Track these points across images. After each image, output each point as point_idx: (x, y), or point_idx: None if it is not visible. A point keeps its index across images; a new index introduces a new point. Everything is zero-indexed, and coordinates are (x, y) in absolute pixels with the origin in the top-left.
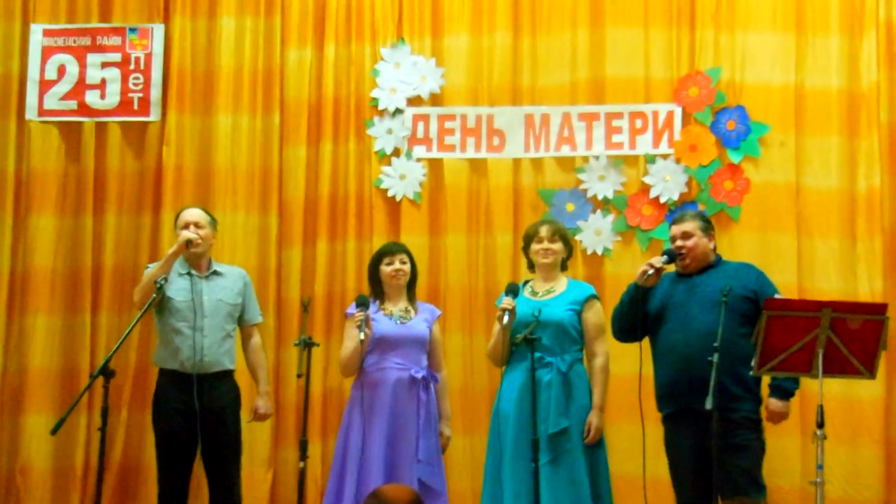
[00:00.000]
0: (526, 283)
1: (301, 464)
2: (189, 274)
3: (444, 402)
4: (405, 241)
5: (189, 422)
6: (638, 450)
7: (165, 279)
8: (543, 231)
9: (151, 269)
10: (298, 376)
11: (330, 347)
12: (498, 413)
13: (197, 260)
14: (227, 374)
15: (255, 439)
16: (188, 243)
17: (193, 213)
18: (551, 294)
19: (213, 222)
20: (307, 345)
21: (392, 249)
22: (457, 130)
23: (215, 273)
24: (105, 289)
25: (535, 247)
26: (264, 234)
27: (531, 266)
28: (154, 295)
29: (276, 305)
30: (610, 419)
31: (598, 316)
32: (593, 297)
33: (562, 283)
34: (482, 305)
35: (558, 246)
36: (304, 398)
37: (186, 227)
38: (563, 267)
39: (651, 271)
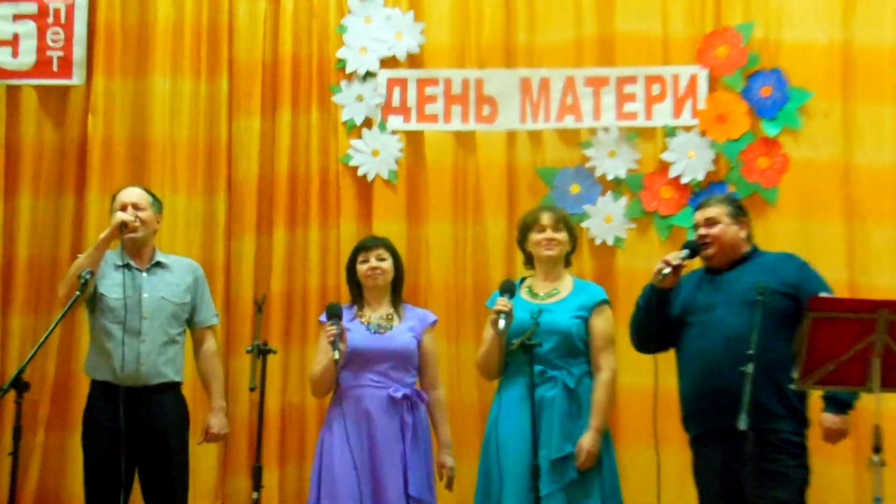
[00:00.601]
0: (523, 280)
1: (255, 494)
2: (127, 266)
3: (443, 427)
4: (378, 229)
5: (125, 444)
6: (651, 477)
7: (92, 272)
8: (545, 218)
9: (80, 259)
10: (251, 390)
11: (288, 355)
12: (494, 436)
13: (137, 249)
14: (171, 388)
15: (199, 465)
16: (122, 227)
17: (132, 193)
18: (555, 297)
19: (157, 204)
20: (262, 352)
21: (367, 244)
22: (439, 97)
23: (159, 265)
24: (18, 285)
25: (534, 237)
26: (210, 220)
27: (528, 261)
28: (77, 292)
29: (224, 305)
30: (626, 442)
31: (608, 324)
32: (604, 302)
33: (566, 284)
34: (470, 307)
35: (563, 236)
36: (259, 416)
37: (123, 208)
38: (568, 262)
39: (667, 270)
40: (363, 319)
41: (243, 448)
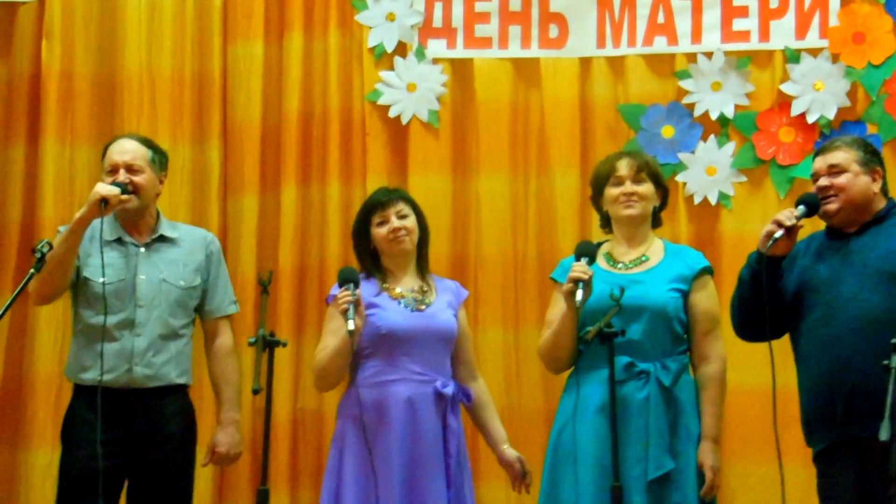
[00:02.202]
0: (598, 245)
1: None
2: (119, 241)
3: (494, 421)
4: (416, 184)
5: (115, 462)
6: (766, 501)
7: (49, 243)
8: (623, 167)
9: (54, 248)
10: (255, 392)
11: (301, 348)
12: (560, 446)
13: (133, 220)
14: (174, 392)
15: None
16: (103, 204)
17: (125, 149)
18: (643, 265)
19: (159, 159)
20: (268, 344)
21: (382, 199)
22: (493, 15)
23: (162, 239)
24: None
25: (611, 191)
26: (201, 174)
27: (606, 222)
28: (32, 269)
29: None
30: (733, 456)
31: (713, 299)
32: (706, 270)
33: (656, 248)
34: (533, 284)
35: (647, 189)
36: (265, 426)
37: (114, 171)
38: (657, 222)
39: (780, 232)
40: (393, 294)
41: (245, 466)
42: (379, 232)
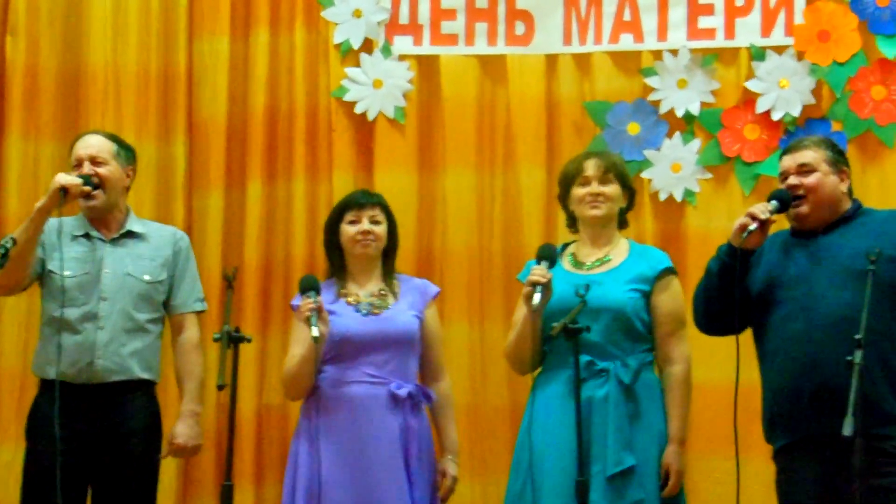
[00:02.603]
0: (565, 247)
1: None
2: (86, 237)
3: (448, 428)
4: (382, 182)
5: (78, 458)
6: (731, 496)
7: (14, 240)
8: (590, 167)
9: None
10: (220, 388)
11: (266, 344)
12: (529, 445)
13: (101, 214)
14: (138, 387)
15: None
16: (62, 193)
17: (89, 143)
18: (605, 266)
19: (125, 153)
20: (233, 340)
21: (359, 200)
22: (460, 12)
23: (130, 235)
24: None
25: (577, 192)
26: (166, 170)
27: (572, 222)
28: None
29: None
30: (698, 452)
31: (677, 301)
32: (669, 271)
33: (621, 249)
34: (499, 281)
35: (613, 189)
36: (229, 421)
37: (78, 164)
38: (623, 223)
39: (754, 225)
40: (349, 299)
41: (209, 462)
42: (347, 230)
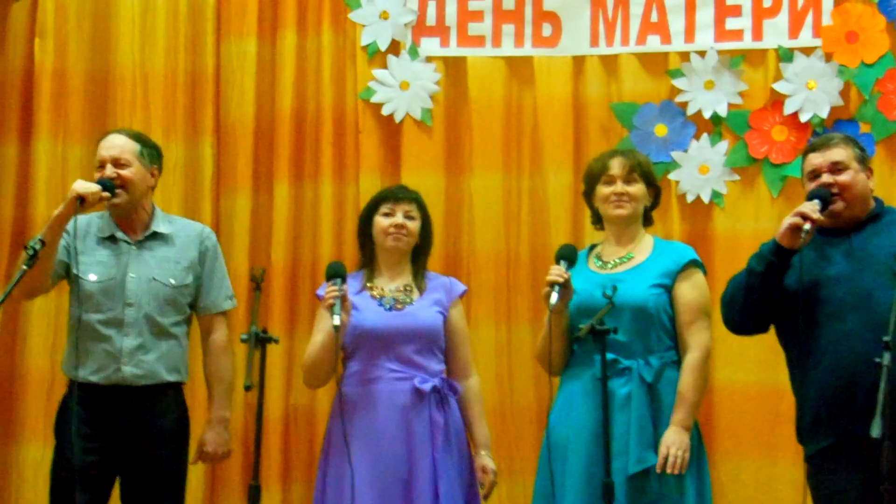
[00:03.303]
0: (592, 248)
1: None
2: (112, 238)
3: (478, 423)
4: (409, 183)
5: (105, 457)
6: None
7: (43, 241)
8: (615, 166)
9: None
10: (247, 389)
11: (294, 345)
12: (551, 443)
13: (126, 215)
14: (166, 389)
15: None
16: (79, 201)
17: (112, 144)
18: (628, 263)
19: (152, 153)
20: (260, 340)
21: (396, 194)
22: (487, 14)
23: (155, 236)
24: None
25: (602, 191)
26: (193, 171)
27: (597, 219)
28: (24, 266)
29: None
30: (725, 452)
31: (699, 290)
32: (693, 263)
33: (645, 246)
34: (526, 281)
35: (638, 189)
36: (257, 422)
37: (101, 166)
38: (648, 221)
39: (808, 225)
40: (374, 292)
41: (237, 462)
42: (381, 222)
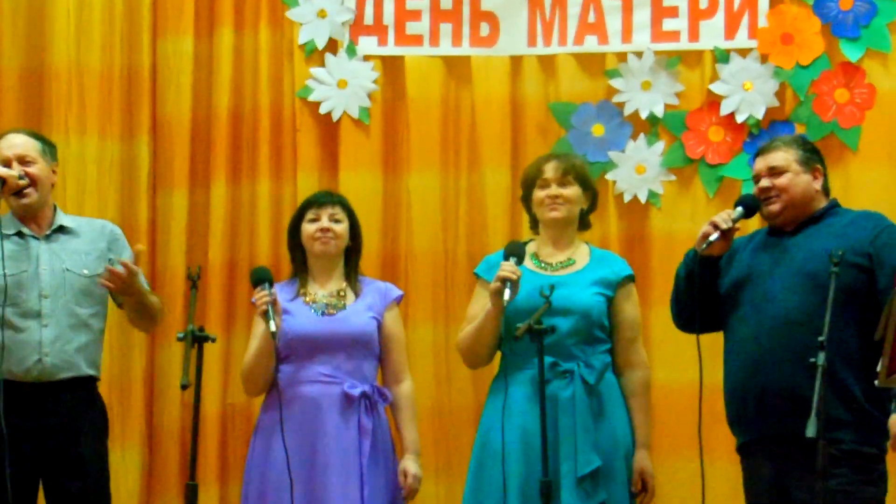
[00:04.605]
0: (525, 245)
1: None
2: (19, 235)
3: (408, 428)
4: (346, 182)
5: (26, 453)
6: (695, 497)
7: None
8: (549, 170)
9: None
10: (183, 387)
11: (231, 343)
12: (487, 446)
13: (32, 212)
14: (84, 384)
15: (117, 482)
16: (0, 183)
17: (14, 143)
18: (570, 268)
19: (49, 150)
20: (197, 339)
21: (319, 199)
22: (424, 13)
23: (62, 230)
24: None
25: (537, 194)
26: (130, 170)
27: (534, 224)
28: None
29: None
30: (662, 453)
31: (637, 308)
32: (630, 278)
33: (582, 253)
34: (464, 281)
35: (573, 191)
36: (194, 421)
37: (6, 164)
38: (584, 224)
39: (715, 235)
40: (307, 298)
41: (173, 461)
42: (307, 228)
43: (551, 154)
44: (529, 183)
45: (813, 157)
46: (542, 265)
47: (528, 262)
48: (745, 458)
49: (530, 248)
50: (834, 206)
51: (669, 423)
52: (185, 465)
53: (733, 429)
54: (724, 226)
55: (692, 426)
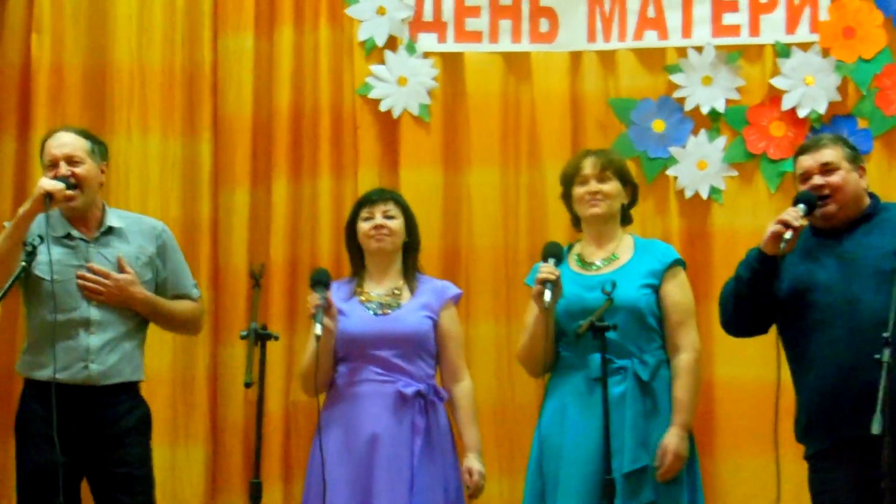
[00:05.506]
0: (570, 247)
1: None
2: (68, 237)
3: (469, 426)
4: (407, 178)
5: (69, 456)
6: (758, 494)
7: (33, 245)
8: (588, 166)
9: (6, 230)
10: (247, 386)
11: (294, 341)
12: (546, 445)
13: (81, 214)
14: (128, 388)
15: (182, 480)
16: (48, 199)
17: (63, 142)
18: (613, 264)
19: (99, 150)
20: (260, 337)
21: (372, 198)
22: (484, 9)
23: (110, 232)
24: None
25: (577, 191)
26: (191, 168)
27: (576, 222)
28: (23, 262)
29: (210, 278)
30: (724, 449)
31: (686, 291)
32: (678, 263)
33: (626, 246)
34: (524, 277)
35: (612, 187)
36: (257, 419)
37: (54, 165)
38: (626, 219)
39: (789, 234)
40: (362, 298)
41: (237, 459)
42: (362, 226)
43: (588, 150)
44: (568, 180)
45: (857, 155)
46: (585, 265)
47: (572, 264)
48: (821, 464)
49: (575, 249)
50: (878, 201)
51: (733, 420)
52: (248, 463)
53: (812, 433)
54: (795, 223)
55: (755, 422)
